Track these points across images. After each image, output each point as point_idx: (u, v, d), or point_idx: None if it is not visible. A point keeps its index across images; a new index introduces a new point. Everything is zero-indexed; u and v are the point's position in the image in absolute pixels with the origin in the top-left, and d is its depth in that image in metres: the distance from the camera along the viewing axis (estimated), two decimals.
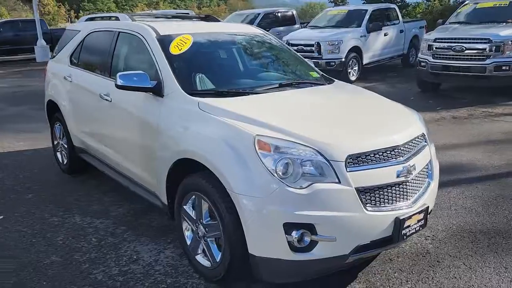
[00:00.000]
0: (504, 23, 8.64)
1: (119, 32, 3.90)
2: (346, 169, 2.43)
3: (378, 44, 11.61)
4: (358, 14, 11.61)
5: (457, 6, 12.29)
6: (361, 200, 2.44)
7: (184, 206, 2.95)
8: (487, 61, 7.97)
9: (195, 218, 2.88)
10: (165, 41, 3.44)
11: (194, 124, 2.86)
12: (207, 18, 4.64)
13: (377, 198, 2.51)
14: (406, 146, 2.70)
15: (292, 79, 3.66)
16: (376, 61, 11.76)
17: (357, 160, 2.49)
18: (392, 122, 3.00)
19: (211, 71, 3.46)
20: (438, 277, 2.86)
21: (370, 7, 11.87)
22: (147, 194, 3.44)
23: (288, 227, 2.37)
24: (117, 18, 4.30)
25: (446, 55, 8.49)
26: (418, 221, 2.67)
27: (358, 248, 2.47)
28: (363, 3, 22.99)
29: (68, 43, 4.78)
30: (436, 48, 8.63)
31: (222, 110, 2.81)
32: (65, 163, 4.91)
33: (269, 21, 14.11)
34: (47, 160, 5.37)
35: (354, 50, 10.67)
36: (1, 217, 3.89)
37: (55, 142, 5.08)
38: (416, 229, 2.68)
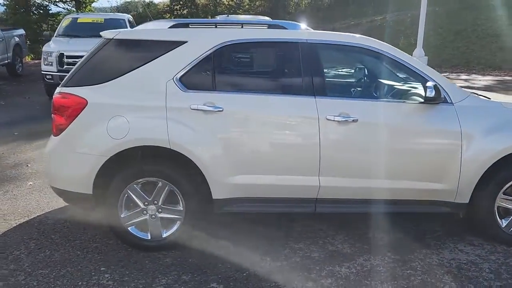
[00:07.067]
0: None
1: (318, 43, 3.33)
2: None
3: None
4: None
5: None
6: None
7: None
8: None
9: None
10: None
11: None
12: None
13: None
14: None
15: None
16: None
17: None
18: None
19: None
20: None
21: None
22: (420, 206, 3.44)
23: None
24: (273, 26, 3.38)
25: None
26: None
27: None
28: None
29: (155, 60, 3.22)
30: (64, 60, 9.15)
31: None
32: (165, 235, 3.33)
33: None
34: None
35: None
36: None
37: (129, 212, 3.29)
38: None
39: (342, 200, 3.41)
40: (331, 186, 3.34)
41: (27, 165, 5.45)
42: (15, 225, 3.81)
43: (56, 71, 9.16)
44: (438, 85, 3.26)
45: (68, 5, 23.48)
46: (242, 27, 3.52)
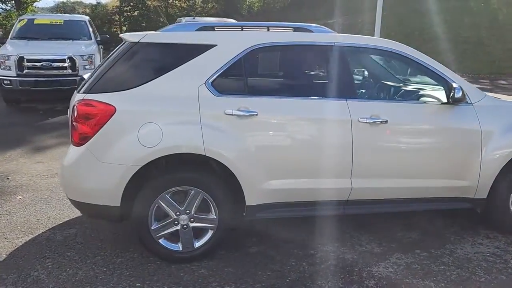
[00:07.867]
0: (71, 40, 9.65)
1: (348, 46, 3.36)
2: None
3: None
4: None
5: None
6: None
7: None
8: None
9: None
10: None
11: None
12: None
13: None
14: None
15: None
16: None
17: None
18: None
19: None
20: None
21: None
22: (443, 204, 3.57)
23: None
24: (299, 29, 3.35)
25: (36, 71, 8.75)
26: None
27: None
28: None
29: (185, 64, 3.09)
30: (24, 64, 8.68)
31: None
32: (197, 246, 3.21)
33: None
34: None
35: None
36: None
37: (159, 224, 3.14)
38: None
39: (370, 201, 3.46)
40: (362, 187, 3.38)
41: (8, 178, 5.04)
42: (20, 244, 3.51)
43: (15, 75, 8.68)
44: (457, 87, 3.40)
45: (7, 5, 22.14)
46: (268, 30, 3.47)
